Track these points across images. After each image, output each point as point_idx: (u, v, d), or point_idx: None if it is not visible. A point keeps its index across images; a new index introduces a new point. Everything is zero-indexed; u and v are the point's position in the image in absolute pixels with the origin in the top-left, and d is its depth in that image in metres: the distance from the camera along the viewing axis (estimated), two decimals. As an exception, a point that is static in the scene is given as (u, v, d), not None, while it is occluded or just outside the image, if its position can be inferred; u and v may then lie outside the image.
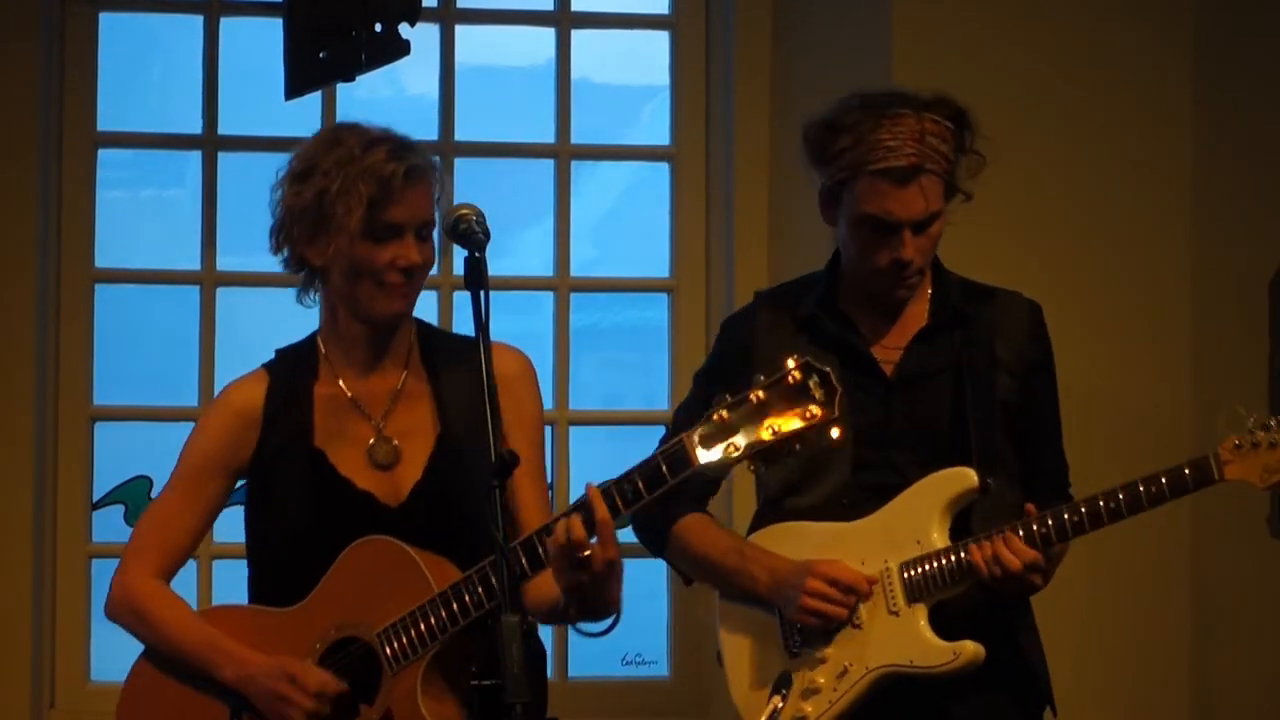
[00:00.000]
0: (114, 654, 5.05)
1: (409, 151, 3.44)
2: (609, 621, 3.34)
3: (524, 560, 3.26)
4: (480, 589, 3.28)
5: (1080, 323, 4.91)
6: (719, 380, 3.81)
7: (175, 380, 5.21)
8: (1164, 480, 3.60)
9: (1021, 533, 3.65)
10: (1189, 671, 5.04)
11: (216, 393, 3.72)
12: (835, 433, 3.09)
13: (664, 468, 3.20)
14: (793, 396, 3.08)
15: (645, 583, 5.25)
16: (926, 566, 3.70)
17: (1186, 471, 3.59)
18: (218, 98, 5.22)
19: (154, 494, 5.18)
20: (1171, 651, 5.03)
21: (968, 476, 3.73)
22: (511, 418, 3.41)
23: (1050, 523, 3.65)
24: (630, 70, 5.49)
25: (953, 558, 3.69)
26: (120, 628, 3.57)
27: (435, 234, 3.49)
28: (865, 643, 3.73)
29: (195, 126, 5.23)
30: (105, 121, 5.18)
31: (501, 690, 2.98)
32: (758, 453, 3.11)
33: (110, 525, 5.18)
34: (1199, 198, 5.08)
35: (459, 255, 3.28)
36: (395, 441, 3.50)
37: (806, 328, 3.88)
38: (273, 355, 3.64)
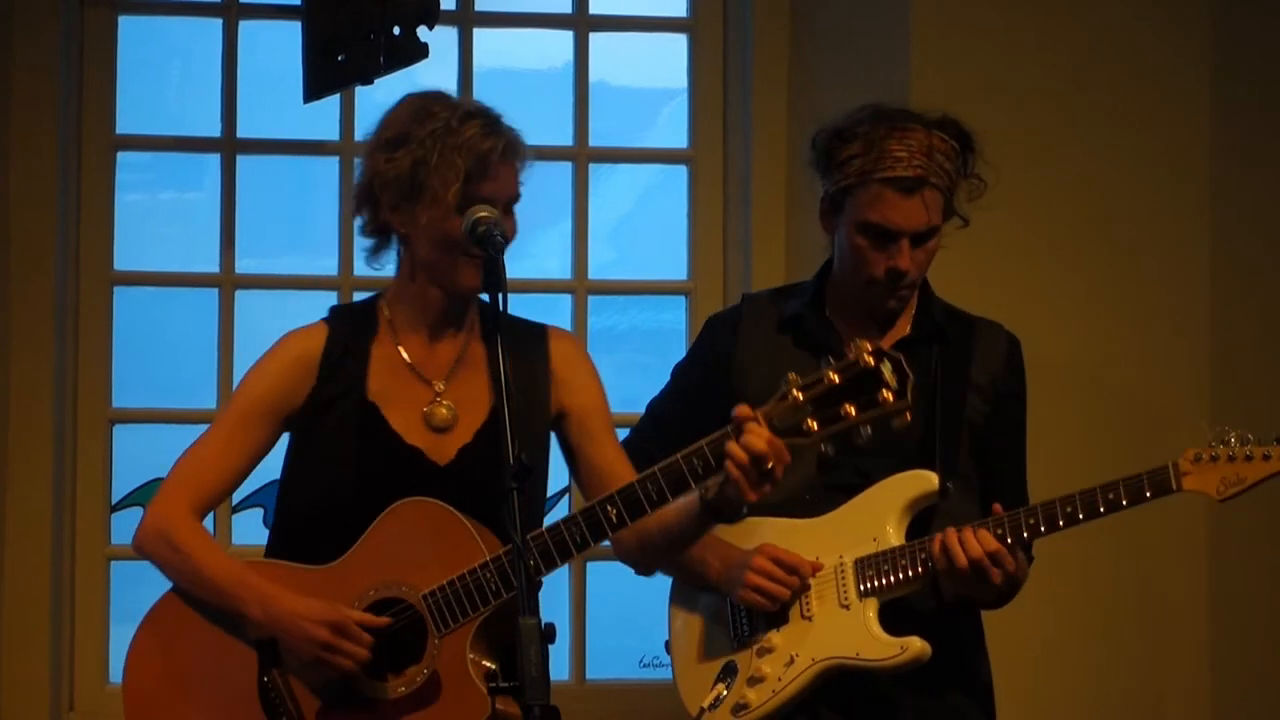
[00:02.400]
0: (133, 656, 5.07)
1: (502, 127, 3.48)
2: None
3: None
4: (537, 557, 3.33)
5: (1098, 320, 4.92)
6: (699, 375, 4.01)
7: (194, 383, 5.22)
8: (1121, 488, 3.66)
9: (987, 527, 3.69)
10: (1209, 672, 5.05)
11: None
12: (907, 418, 3.21)
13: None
14: (866, 380, 3.19)
15: (662, 585, 5.24)
16: (883, 563, 3.75)
17: (1145, 480, 3.66)
18: (236, 100, 5.23)
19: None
20: (1189, 652, 5.03)
21: (928, 479, 3.78)
22: (583, 394, 3.61)
23: (1007, 524, 3.69)
24: (648, 73, 5.49)
25: (908, 554, 3.73)
26: (147, 559, 3.54)
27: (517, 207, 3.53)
28: (814, 634, 3.77)
29: (214, 129, 5.24)
30: (124, 124, 5.20)
31: (520, 692, 2.99)
32: (831, 433, 3.22)
33: (129, 528, 5.14)
34: (1218, 197, 5.07)
35: (478, 257, 3.30)
36: (452, 406, 3.52)
37: (789, 328, 3.94)
38: (328, 311, 3.65)
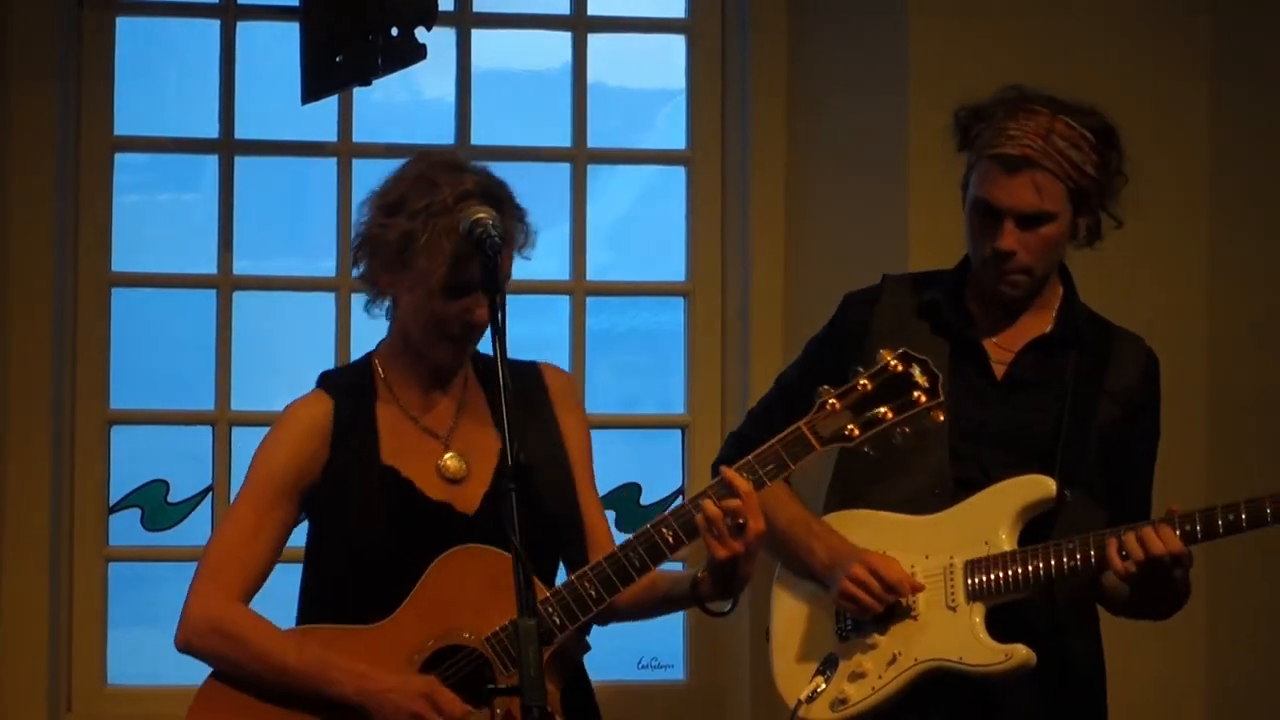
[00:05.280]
0: (131, 657, 5.09)
1: (502, 208, 3.43)
2: (733, 602, 3.49)
3: (635, 562, 3.39)
4: (597, 586, 3.37)
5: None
6: (832, 351, 3.95)
7: (192, 384, 5.21)
8: (1244, 508, 3.61)
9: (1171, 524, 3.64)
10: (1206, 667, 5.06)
11: (276, 409, 3.65)
12: (940, 416, 3.37)
13: (784, 454, 3.38)
14: (898, 384, 3.35)
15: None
16: (994, 570, 3.71)
17: (1267, 504, 3.61)
18: (234, 102, 5.23)
19: (170, 498, 5.20)
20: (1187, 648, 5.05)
21: (1046, 485, 3.73)
22: (575, 440, 3.63)
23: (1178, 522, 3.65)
24: (646, 74, 5.49)
25: (1020, 560, 3.69)
26: (198, 654, 3.48)
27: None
28: (918, 634, 3.74)
29: (212, 130, 5.24)
30: (122, 126, 5.19)
31: (519, 693, 2.99)
32: (873, 435, 3.35)
33: (127, 529, 5.19)
34: (1214, 190, 5.08)
35: (476, 258, 3.30)
36: (461, 455, 3.53)
37: (927, 314, 3.91)
38: (318, 379, 3.62)
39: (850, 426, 3.33)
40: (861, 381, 3.34)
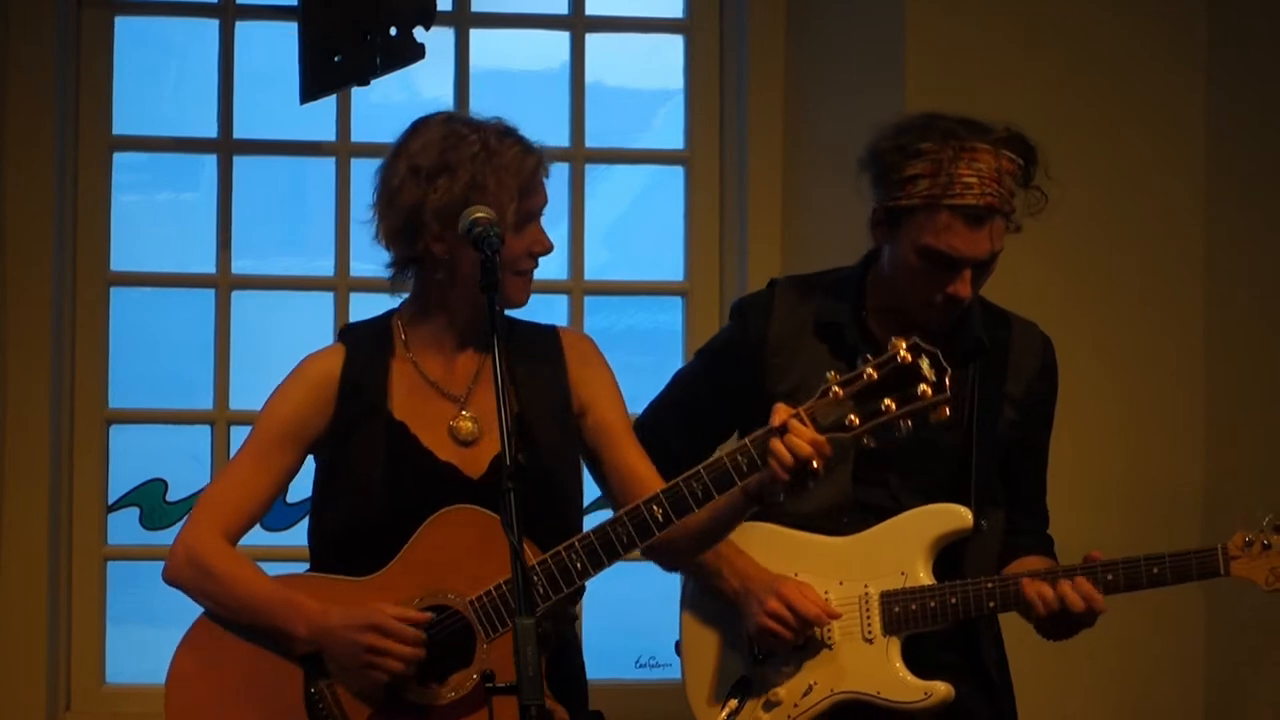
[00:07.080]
0: (129, 656, 5.09)
1: (530, 141, 3.52)
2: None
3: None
4: (583, 559, 3.35)
5: (1094, 331, 4.92)
6: (724, 359, 3.89)
7: (190, 383, 5.22)
8: (1168, 563, 3.63)
9: (1090, 577, 3.64)
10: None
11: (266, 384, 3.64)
12: (945, 412, 3.25)
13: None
14: (905, 375, 3.25)
15: (658, 585, 5.25)
16: (912, 603, 3.69)
17: (1192, 561, 3.63)
18: (233, 101, 5.24)
19: (169, 496, 5.20)
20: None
21: (962, 516, 3.71)
22: (601, 394, 3.61)
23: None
24: (644, 74, 5.49)
25: (938, 596, 3.68)
26: (180, 588, 3.51)
27: None
28: (834, 665, 3.72)
29: (210, 130, 5.25)
30: (121, 125, 5.20)
31: (517, 692, 2.99)
32: (873, 427, 3.26)
33: (126, 528, 5.20)
34: (1211, 204, 5.08)
35: (474, 258, 3.30)
36: (476, 419, 3.53)
37: (827, 334, 3.83)
38: (339, 331, 3.65)
39: (850, 416, 3.26)
40: (867, 370, 3.26)
